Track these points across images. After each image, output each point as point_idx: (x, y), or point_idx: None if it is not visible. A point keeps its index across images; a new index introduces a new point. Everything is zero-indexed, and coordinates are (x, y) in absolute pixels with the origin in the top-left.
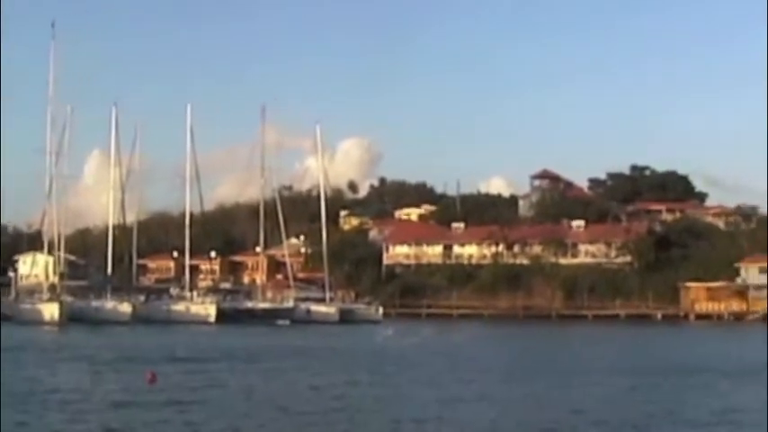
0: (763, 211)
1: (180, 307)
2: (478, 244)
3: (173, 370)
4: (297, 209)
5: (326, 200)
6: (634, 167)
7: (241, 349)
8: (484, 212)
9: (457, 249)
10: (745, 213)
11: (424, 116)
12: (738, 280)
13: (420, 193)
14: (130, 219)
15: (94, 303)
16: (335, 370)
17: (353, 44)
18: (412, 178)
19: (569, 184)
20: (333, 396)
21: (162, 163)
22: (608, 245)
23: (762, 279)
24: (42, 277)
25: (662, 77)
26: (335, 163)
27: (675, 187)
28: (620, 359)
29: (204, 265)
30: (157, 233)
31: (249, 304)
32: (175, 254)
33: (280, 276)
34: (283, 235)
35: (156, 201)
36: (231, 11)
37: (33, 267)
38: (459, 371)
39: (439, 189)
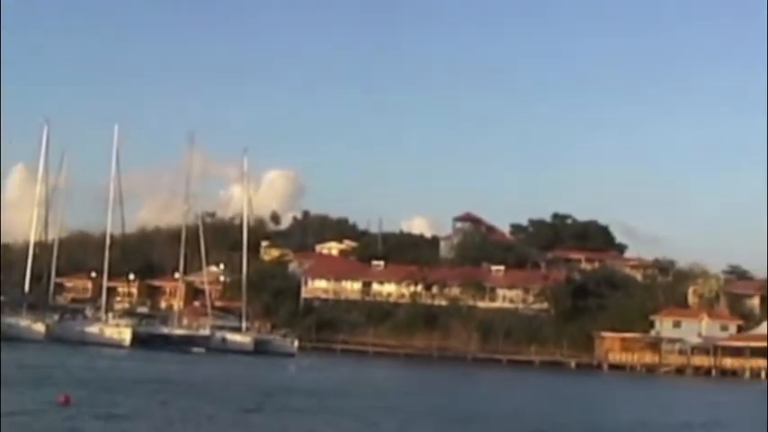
0: (679, 265)
1: (94, 329)
2: (398, 283)
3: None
4: (218, 236)
5: (249, 229)
6: (556, 215)
7: (148, 377)
8: (405, 251)
9: (376, 287)
10: (663, 267)
11: (350, 152)
12: (653, 332)
13: (342, 229)
14: (51, 236)
15: (8, 320)
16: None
17: (281, 74)
18: (335, 213)
19: (491, 228)
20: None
21: (84, 182)
22: (526, 291)
23: (675, 333)
24: None
25: (586, 127)
26: (259, 193)
27: (595, 237)
28: (520, 406)
29: (122, 288)
30: (76, 252)
31: (165, 330)
32: (93, 274)
33: (197, 303)
34: (203, 262)
35: (76, 220)
36: (164, 35)
37: None
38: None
39: (361, 225)
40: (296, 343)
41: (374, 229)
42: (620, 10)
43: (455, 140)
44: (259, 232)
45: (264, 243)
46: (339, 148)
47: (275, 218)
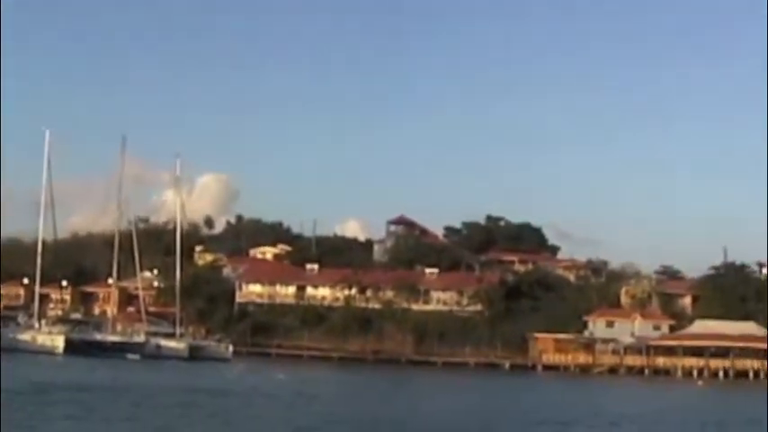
0: (612, 265)
1: (26, 336)
2: (332, 286)
3: None
4: (152, 242)
5: (182, 234)
6: (489, 218)
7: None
8: (339, 255)
9: (310, 291)
10: (596, 268)
11: (283, 155)
12: (586, 333)
13: (276, 233)
14: None
15: None
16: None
17: (214, 77)
18: (268, 217)
19: (425, 231)
20: None
21: (17, 189)
22: (460, 293)
23: (608, 333)
24: None
25: (518, 131)
26: (193, 197)
27: (529, 239)
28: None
29: (55, 295)
30: (8, 259)
31: (99, 336)
32: (26, 281)
33: (131, 309)
34: (137, 267)
35: (8, 227)
36: (93, 37)
37: None
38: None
39: (295, 229)
40: (231, 348)
41: (308, 233)
42: None
43: (388, 144)
44: (193, 237)
45: (198, 248)
46: (272, 153)
47: (209, 222)
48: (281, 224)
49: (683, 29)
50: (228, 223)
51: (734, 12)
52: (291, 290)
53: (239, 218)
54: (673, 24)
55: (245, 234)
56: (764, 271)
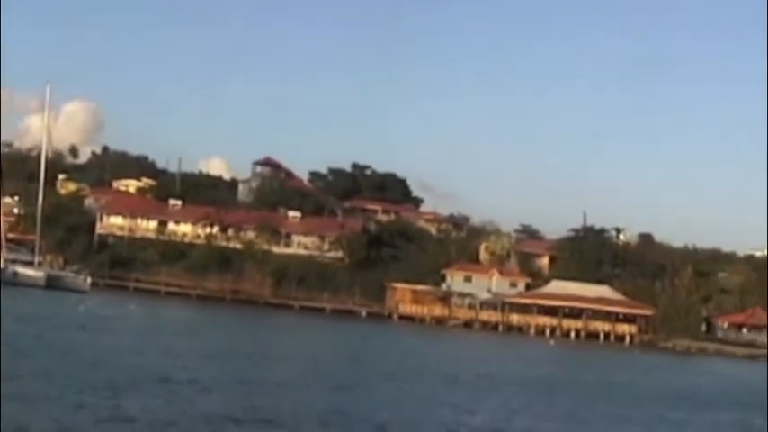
0: (473, 222)
1: None
2: (194, 223)
3: None
4: (15, 167)
5: (46, 162)
6: (355, 166)
7: None
8: (203, 193)
9: (172, 226)
10: (457, 222)
11: (151, 88)
12: (444, 286)
13: (141, 166)
14: None
15: None
16: None
17: (88, 7)
18: (134, 150)
19: (290, 174)
20: None
21: None
22: (321, 238)
23: (466, 287)
24: None
25: (389, 81)
26: (58, 125)
27: (393, 189)
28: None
29: None
30: None
31: None
32: None
33: None
34: None
35: None
36: None
37: None
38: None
39: (161, 164)
40: (89, 280)
41: (173, 169)
42: None
43: (258, 84)
44: (57, 166)
45: (61, 177)
46: (141, 85)
47: (73, 151)
48: (146, 158)
49: None
50: (93, 154)
51: None
52: (153, 224)
53: (105, 149)
54: None
55: (109, 166)
56: (621, 236)
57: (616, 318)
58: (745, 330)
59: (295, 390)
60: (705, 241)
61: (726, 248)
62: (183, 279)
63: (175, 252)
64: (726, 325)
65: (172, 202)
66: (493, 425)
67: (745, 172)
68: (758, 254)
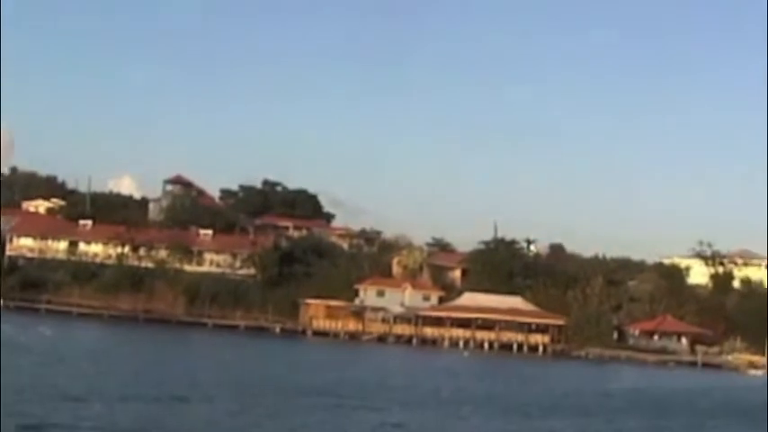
0: (385, 236)
1: None
2: (105, 243)
3: None
4: None
5: None
6: (266, 182)
7: None
8: (114, 212)
9: (83, 247)
10: (369, 237)
11: (58, 107)
12: (357, 301)
13: (50, 187)
14: None
15: None
16: None
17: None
18: (43, 170)
19: (201, 192)
20: None
21: None
22: (233, 256)
23: (379, 302)
24: None
25: (290, 96)
26: None
27: (304, 206)
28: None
29: None
30: None
31: None
32: None
33: None
34: None
35: None
36: None
37: None
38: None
39: (70, 184)
40: None
41: (83, 188)
42: None
43: (166, 100)
44: None
45: None
46: (48, 104)
47: None
48: (55, 178)
49: None
50: (2, 174)
51: None
52: (63, 245)
53: (13, 169)
54: None
55: (18, 186)
56: (533, 247)
57: (529, 328)
58: (655, 337)
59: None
60: (615, 251)
61: (635, 257)
62: (94, 300)
63: (87, 272)
64: (637, 332)
65: (82, 222)
66: None
67: (652, 181)
68: (667, 262)
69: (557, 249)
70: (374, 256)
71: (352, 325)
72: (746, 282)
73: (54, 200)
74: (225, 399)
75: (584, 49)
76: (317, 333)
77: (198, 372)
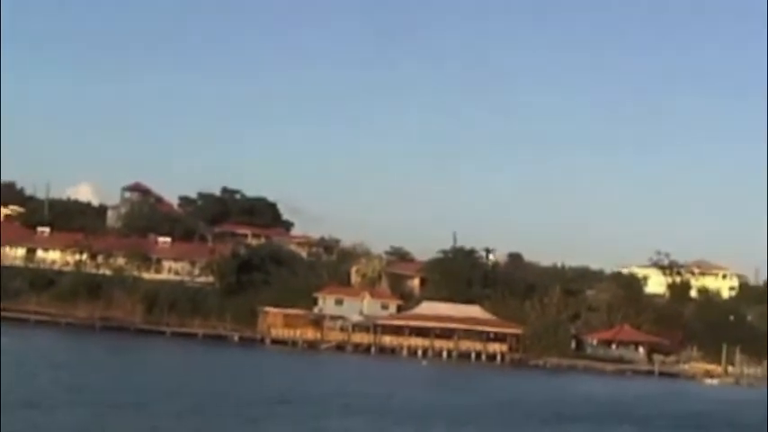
0: (344, 244)
1: None
2: (63, 250)
3: None
4: None
5: None
6: (225, 190)
7: None
8: (72, 219)
9: (40, 254)
10: (328, 245)
11: (16, 113)
12: (316, 309)
13: (8, 194)
14: None
15: None
16: None
17: None
18: (2, 177)
19: (160, 200)
20: None
21: None
22: (192, 263)
23: (337, 310)
24: None
25: (253, 104)
26: None
27: (263, 213)
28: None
29: None
30: None
31: None
32: None
33: None
34: None
35: None
36: None
37: None
38: None
39: (28, 191)
40: None
41: (41, 195)
42: None
43: (125, 107)
44: None
45: None
46: (7, 111)
47: None
48: (13, 184)
49: None
50: None
51: None
52: (21, 252)
53: None
54: None
55: None
56: (491, 257)
57: (487, 337)
58: (613, 346)
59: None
60: (573, 260)
61: (593, 267)
62: (52, 307)
63: (44, 280)
64: (594, 342)
65: (40, 229)
66: None
67: (611, 192)
68: (624, 271)
69: (515, 258)
70: (333, 264)
71: (311, 333)
72: (703, 291)
73: (12, 207)
74: (170, 407)
75: (539, 63)
76: (275, 341)
77: (149, 380)
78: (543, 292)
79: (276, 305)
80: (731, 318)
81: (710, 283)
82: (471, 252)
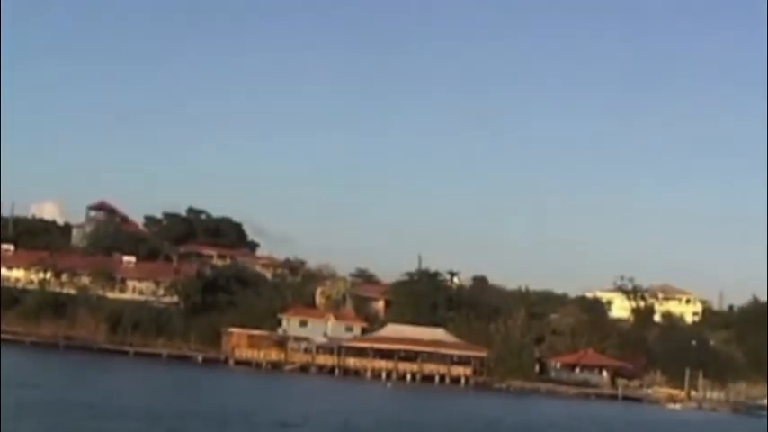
0: (309, 265)
1: None
2: (27, 269)
3: None
4: None
5: None
6: (190, 210)
7: None
8: (36, 237)
9: (4, 272)
10: (293, 266)
11: None
12: (280, 330)
13: None
14: None
15: None
16: None
17: None
18: None
19: (125, 219)
20: None
21: None
22: (157, 283)
23: (302, 332)
24: None
25: (215, 123)
26: None
27: (228, 234)
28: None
29: None
30: None
31: None
32: None
33: None
34: None
35: None
36: None
37: None
38: None
39: None
40: None
41: (6, 213)
42: None
43: (90, 124)
44: None
45: None
46: None
47: None
48: None
49: None
50: None
51: None
52: None
53: None
54: None
55: None
56: (456, 279)
57: (451, 360)
58: (577, 370)
59: None
60: (537, 283)
61: (558, 290)
62: (16, 325)
63: (8, 298)
64: (558, 365)
65: (4, 246)
66: None
67: (575, 216)
68: (589, 295)
69: (480, 281)
70: (298, 285)
71: (275, 354)
72: (667, 316)
73: None
74: (125, 426)
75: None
76: (239, 362)
77: (106, 399)
78: (507, 316)
79: (241, 326)
80: (694, 342)
81: (674, 307)
82: (436, 275)
